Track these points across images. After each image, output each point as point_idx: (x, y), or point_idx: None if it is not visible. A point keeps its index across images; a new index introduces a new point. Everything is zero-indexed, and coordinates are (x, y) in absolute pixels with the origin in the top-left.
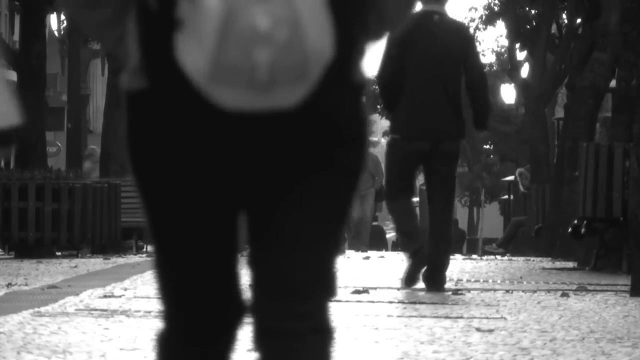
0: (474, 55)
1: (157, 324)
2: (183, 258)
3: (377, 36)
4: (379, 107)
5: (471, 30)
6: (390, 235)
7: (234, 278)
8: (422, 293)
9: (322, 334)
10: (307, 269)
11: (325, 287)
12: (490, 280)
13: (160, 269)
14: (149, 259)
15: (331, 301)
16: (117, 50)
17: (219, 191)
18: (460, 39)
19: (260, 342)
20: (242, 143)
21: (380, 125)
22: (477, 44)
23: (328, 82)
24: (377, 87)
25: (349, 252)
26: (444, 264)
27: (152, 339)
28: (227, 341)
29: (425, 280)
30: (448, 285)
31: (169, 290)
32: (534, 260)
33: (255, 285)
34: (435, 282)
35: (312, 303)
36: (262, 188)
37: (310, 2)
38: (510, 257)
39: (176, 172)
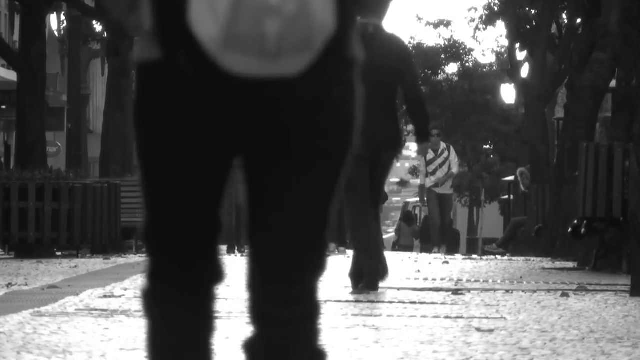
0: (411, 68)
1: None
2: (171, 186)
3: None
4: None
5: (408, 46)
6: (388, 235)
7: (214, 215)
8: (422, 293)
9: (312, 318)
10: (299, 252)
11: (317, 267)
12: (490, 280)
13: (147, 196)
14: None
15: (320, 279)
16: (129, 20)
17: (216, 145)
18: (396, 52)
19: (255, 324)
20: (246, 105)
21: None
22: (412, 59)
23: (327, 54)
24: None
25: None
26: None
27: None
28: (206, 276)
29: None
30: (448, 285)
31: (154, 225)
32: (534, 260)
33: (252, 263)
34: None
35: (303, 286)
36: (260, 148)
37: None
38: (510, 257)
39: (180, 130)
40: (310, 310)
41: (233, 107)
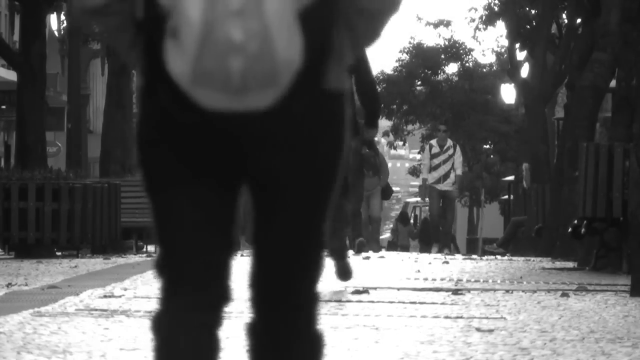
0: (365, 61)
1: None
2: (180, 227)
3: (356, 47)
4: None
5: None
6: (385, 236)
7: (226, 238)
8: (422, 293)
9: (311, 305)
10: (294, 272)
11: (314, 272)
12: (490, 280)
13: (160, 237)
14: (149, 259)
15: (319, 278)
16: (129, 53)
17: (207, 170)
18: None
19: (255, 310)
20: (224, 136)
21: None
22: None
23: (299, 88)
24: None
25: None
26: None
27: (149, 323)
28: (218, 300)
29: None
30: (448, 285)
31: (167, 252)
32: (534, 260)
33: (254, 266)
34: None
35: (303, 281)
36: (248, 172)
37: (280, 18)
38: (510, 257)
39: (169, 158)
40: (308, 296)
41: (214, 138)
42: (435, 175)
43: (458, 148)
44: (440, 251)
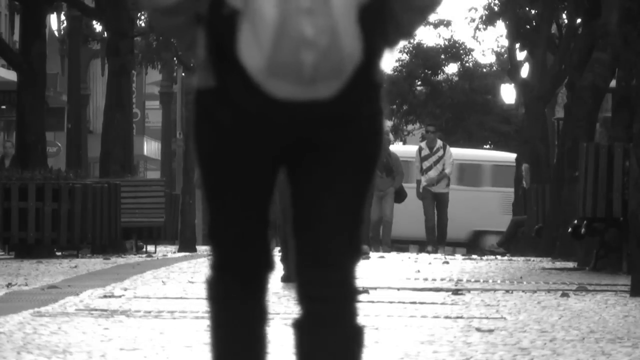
0: None
1: (206, 274)
2: (229, 203)
3: (394, 43)
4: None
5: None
6: None
7: (265, 223)
8: (422, 293)
9: (351, 298)
10: (338, 243)
11: (354, 255)
12: (490, 280)
13: (210, 210)
14: (149, 259)
15: (356, 266)
16: (190, 52)
17: (264, 157)
18: None
19: (301, 304)
20: (289, 124)
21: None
22: None
23: (356, 80)
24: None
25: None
26: None
27: (203, 282)
28: (262, 273)
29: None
30: (448, 285)
31: (216, 227)
32: (534, 260)
33: (298, 255)
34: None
35: (343, 271)
36: (301, 159)
37: (345, 15)
38: (510, 257)
39: (232, 148)
40: (349, 291)
41: (278, 126)
42: (427, 177)
43: (448, 148)
44: (434, 251)
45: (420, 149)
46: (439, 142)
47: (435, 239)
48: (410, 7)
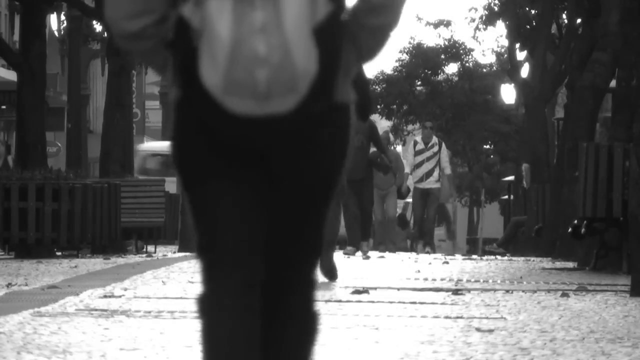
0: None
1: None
2: (215, 211)
3: (357, 63)
4: (378, 107)
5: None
6: None
7: (254, 234)
8: (422, 293)
9: (309, 287)
10: (299, 244)
11: (314, 254)
12: (490, 280)
13: (199, 228)
14: (149, 259)
15: (317, 262)
16: (164, 72)
17: (233, 172)
18: None
19: (265, 302)
20: (248, 138)
21: (380, 125)
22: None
23: (314, 97)
24: (376, 88)
25: (371, 253)
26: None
27: (194, 302)
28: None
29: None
30: (448, 285)
31: (200, 239)
32: (534, 260)
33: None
34: (327, 271)
35: (304, 268)
36: (266, 172)
37: (297, 33)
38: (510, 257)
39: (204, 156)
40: (307, 282)
41: (239, 139)
42: (419, 173)
43: (444, 146)
44: (423, 250)
45: (415, 143)
46: (435, 139)
47: (426, 238)
48: (364, 27)
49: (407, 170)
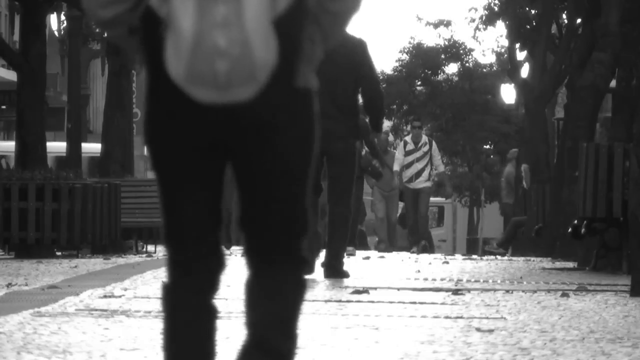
0: (369, 66)
1: (162, 286)
2: (178, 197)
3: (319, 48)
4: None
5: (367, 45)
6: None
7: (214, 219)
8: (422, 293)
9: (298, 264)
10: (280, 231)
11: (297, 238)
12: (490, 280)
13: (164, 210)
14: (149, 259)
15: (304, 238)
16: (135, 55)
17: (201, 155)
18: (352, 53)
19: (250, 269)
20: (212, 125)
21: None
22: (371, 56)
23: (275, 85)
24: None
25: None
26: (339, 253)
27: (160, 292)
28: (212, 270)
29: (324, 268)
30: (448, 285)
31: (168, 223)
32: (534, 260)
33: (246, 242)
34: (333, 270)
35: (288, 249)
36: (235, 159)
37: (257, 26)
38: (510, 257)
39: (171, 140)
40: (293, 253)
41: (204, 126)
42: (409, 173)
43: (434, 144)
44: (414, 249)
45: (405, 143)
46: (425, 138)
47: (416, 236)
48: (328, 11)
49: (396, 167)
